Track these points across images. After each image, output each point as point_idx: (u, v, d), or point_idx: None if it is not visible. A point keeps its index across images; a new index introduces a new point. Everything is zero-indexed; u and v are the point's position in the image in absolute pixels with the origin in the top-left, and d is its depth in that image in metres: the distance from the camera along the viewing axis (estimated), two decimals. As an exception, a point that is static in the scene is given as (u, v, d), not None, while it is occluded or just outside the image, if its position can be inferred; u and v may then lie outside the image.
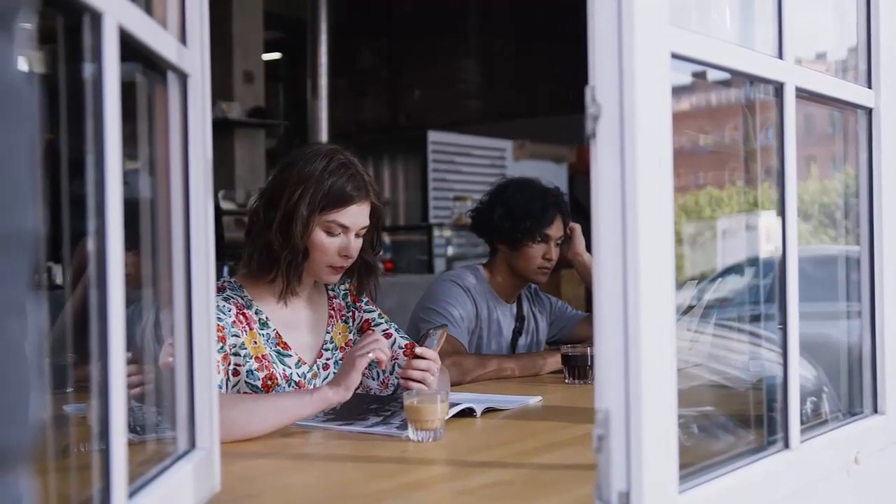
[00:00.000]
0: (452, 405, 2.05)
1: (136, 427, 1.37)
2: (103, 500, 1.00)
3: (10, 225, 0.55)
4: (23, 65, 0.58)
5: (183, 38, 1.36)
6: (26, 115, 0.57)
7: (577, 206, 5.76)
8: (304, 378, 2.27)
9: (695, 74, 1.48)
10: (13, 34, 0.56)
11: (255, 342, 2.20)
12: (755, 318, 1.96)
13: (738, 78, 1.61)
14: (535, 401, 2.37)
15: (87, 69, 1.02)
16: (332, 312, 2.39)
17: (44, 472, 1.01)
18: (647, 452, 1.16)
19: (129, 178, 1.10)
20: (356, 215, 2.22)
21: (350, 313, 2.43)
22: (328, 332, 2.36)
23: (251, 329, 2.20)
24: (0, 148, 0.54)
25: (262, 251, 2.22)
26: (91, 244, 1.02)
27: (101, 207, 1.00)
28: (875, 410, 1.83)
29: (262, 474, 1.72)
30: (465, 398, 2.19)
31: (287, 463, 1.79)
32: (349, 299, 2.44)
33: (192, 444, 1.38)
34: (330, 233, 2.20)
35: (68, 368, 1.32)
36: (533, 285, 3.23)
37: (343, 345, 2.38)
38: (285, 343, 2.25)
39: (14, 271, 0.56)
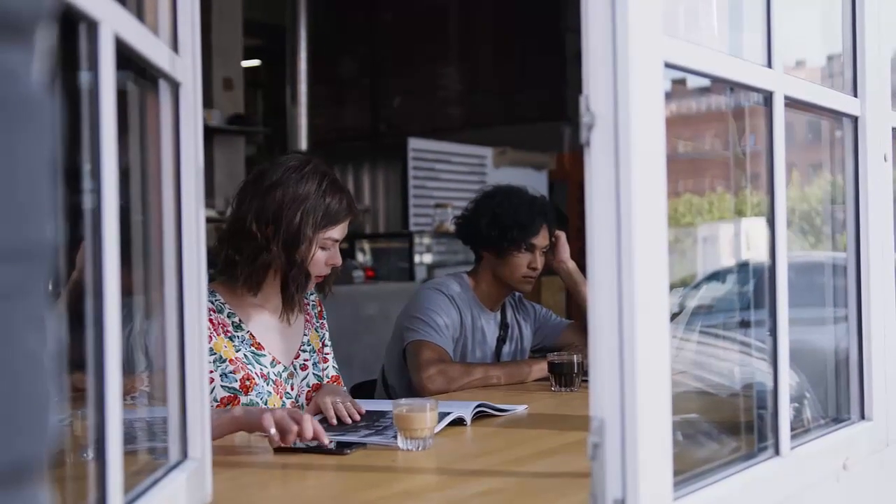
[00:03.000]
0: (442, 415, 2.05)
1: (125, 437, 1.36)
2: (99, 511, 0.99)
3: (28, 236, 0.55)
4: (41, 76, 0.58)
5: (175, 47, 1.35)
6: (46, 126, 0.57)
7: (558, 213, 5.77)
8: (281, 377, 2.33)
9: (674, 81, 1.49)
10: (32, 46, 0.56)
11: (226, 346, 2.25)
12: (739, 325, 1.97)
13: (718, 85, 1.62)
14: (522, 409, 2.37)
15: (83, 77, 1.01)
16: (308, 317, 2.48)
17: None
18: (643, 460, 1.17)
19: (119, 187, 1.09)
20: (345, 228, 2.35)
21: (319, 323, 2.53)
22: (305, 335, 2.44)
23: (219, 334, 2.25)
24: (20, 159, 0.54)
25: (261, 269, 2.26)
26: (86, 253, 1.01)
27: (97, 215, 1.00)
28: (862, 417, 1.84)
29: (253, 484, 1.71)
30: (454, 406, 2.19)
31: (278, 473, 1.79)
32: (316, 311, 2.53)
33: (185, 455, 1.37)
34: (323, 248, 2.31)
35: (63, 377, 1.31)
36: (517, 293, 3.23)
37: (317, 349, 2.47)
38: (259, 343, 2.31)
39: (32, 283, 0.55)
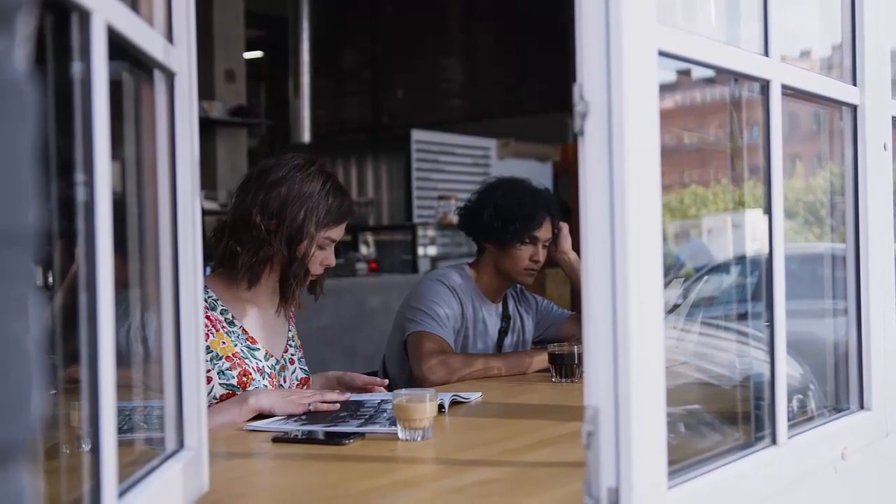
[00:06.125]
0: None
1: (122, 427, 1.36)
2: (93, 499, 1.00)
3: (13, 221, 0.55)
4: (23, 63, 0.58)
5: (170, 37, 1.35)
6: (28, 112, 0.57)
7: (561, 206, 5.77)
8: (274, 370, 2.37)
9: (679, 72, 1.49)
10: (14, 32, 0.56)
11: (224, 342, 2.28)
12: (741, 316, 1.97)
13: (723, 76, 1.61)
14: (475, 396, 2.40)
15: (75, 68, 1.01)
16: (292, 314, 2.52)
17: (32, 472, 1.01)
18: (637, 448, 1.17)
19: (113, 179, 1.09)
20: (343, 230, 2.39)
21: (294, 323, 2.56)
22: (290, 331, 2.49)
23: (218, 331, 2.28)
24: (3, 145, 0.54)
25: (262, 262, 2.30)
26: (79, 245, 1.01)
27: (90, 208, 1.00)
28: (861, 406, 1.84)
29: (250, 474, 1.71)
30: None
31: (275, 463, 1.79)
32: (293, 311, 2.55)
33: (181, 444, 1.38)
34: (321, 247, 2.34)
35: (55, 369, 1.32)
36: (519, 284, 3.22)
37: (299, 345, 2.53)
38: (252, 338, 2.34)
39: (17, 267, 0.56)
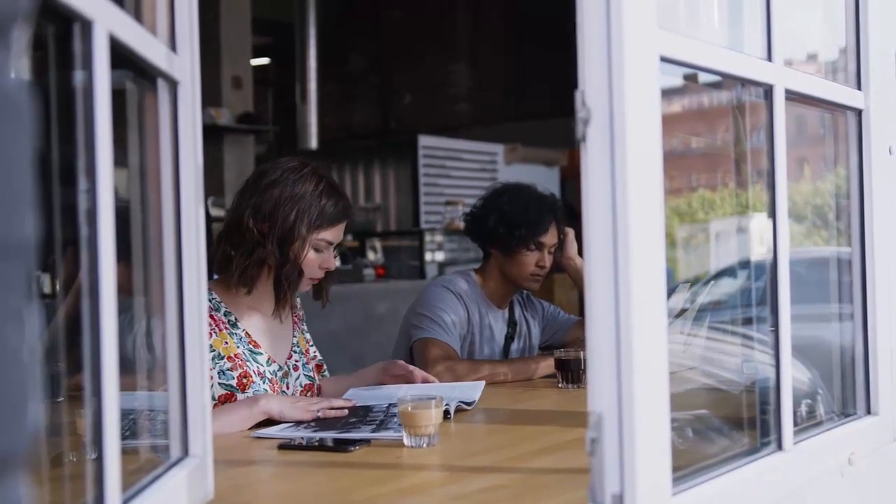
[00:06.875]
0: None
1: (126, 433, 1.36)
2: (97, 508, 1.00)
3: (9, 232, 0.55)
4: (20, 73, 0.58)
5: (173, 45, 1.35)
6: (24, 123, 0.57)
7: (569, 210, 5.76)
8: (276, 376, 2.37)
9: (686, 77, 1.49)
10: (10, 43, 0.56)
11: (227, 343, 2.29)
12: (748, 321, 1.96)
13: (729, 80, 1.61)
14: (479, 386, 2.44)
15: (78, 77, 1.01)
16: (296, 320, 2.52)
17: (38, 481, 1.01)
18: (640, 455, 1.16)
19: (118, 187, 1.10)
20: (341, 232, 2.38)
21: (304, 325, 2.57)
22: (294, 337, 2.48)
23: (221, 331, 2.29)
24: None
25: (255, 265, 2.30)
26: (82, 253, 1.01)
27: (92, 216, 1.00)
28: (868, 411, 1.83)
29: (255, 482, 1.71)
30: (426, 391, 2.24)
31: (280, 470, 1.79)
32: (302, 315, 2.57)
33: (186, 452, 1.38)
34: (317, 249, 2.34)
35: (60, 377, 1.32)
36: (525, 290, 3.22)
37: (304, 350, 2.51)
38: (255, 342, 2.35)
39: (13, 278, 0.56)
